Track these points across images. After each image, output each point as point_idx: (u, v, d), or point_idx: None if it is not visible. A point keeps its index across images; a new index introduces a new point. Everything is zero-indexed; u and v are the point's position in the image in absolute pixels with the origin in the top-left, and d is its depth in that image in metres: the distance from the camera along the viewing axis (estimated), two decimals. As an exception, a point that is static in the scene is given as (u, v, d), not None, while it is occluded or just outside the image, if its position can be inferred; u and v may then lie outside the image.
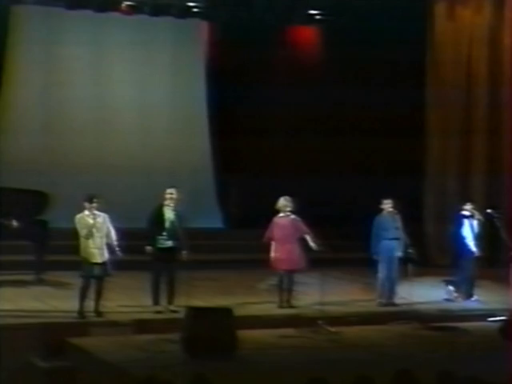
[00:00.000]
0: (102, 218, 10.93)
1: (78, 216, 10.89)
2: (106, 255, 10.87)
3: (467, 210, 12.75)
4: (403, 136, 16.27)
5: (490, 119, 16.63)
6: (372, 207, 12.39)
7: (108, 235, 10.92)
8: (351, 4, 16.87)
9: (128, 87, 17.96)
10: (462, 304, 12.45)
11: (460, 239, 12.64)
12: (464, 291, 12.64)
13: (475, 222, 12.71)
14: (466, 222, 12.70)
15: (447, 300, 12.55)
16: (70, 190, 14.80)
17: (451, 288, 12.64)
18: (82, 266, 10.86)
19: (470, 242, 12.60)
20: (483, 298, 12.68)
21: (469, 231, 12.66)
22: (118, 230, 11.13)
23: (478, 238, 12.74)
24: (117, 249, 10.90)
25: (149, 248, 11.26)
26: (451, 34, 16.87)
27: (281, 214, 11.82)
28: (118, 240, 10.95)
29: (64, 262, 12.51)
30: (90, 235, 10.78)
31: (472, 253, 12.62)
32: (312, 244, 11.61)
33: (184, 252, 11.17)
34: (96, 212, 10.89)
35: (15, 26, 16.95)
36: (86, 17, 17.20)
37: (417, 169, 16.52)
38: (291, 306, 11.70)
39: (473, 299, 12.65)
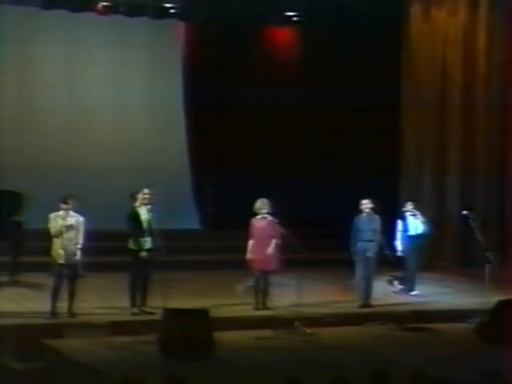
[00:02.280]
0: (76, 220, 10.89)
1: (52, 215, 10.86)
2: (77, 256, 10.82)
3: (409, 209, 13.13)
4: (379, 135, 16.33)
5: (464, 119, 16.75)
6: (350, 207, 12.41)
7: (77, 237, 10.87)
8: (328, 5, 16.92)
9: (104, 87, 17.91)
10: (436, 305, 12.54)
11: (403, 237, 13.08)
12: (408, 285, 13.10)
13: (418, 221, 13.11)
14: (408, 220, 13.11)
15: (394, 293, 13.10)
16: (45, 191, 14.70)
17: (396, 283, 13.24)
18: (52, 265, 10.83)
19: (413, 240, 13.08)
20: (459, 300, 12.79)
21: (413, 229, 13.11)
22: (94, 231, 11.09)
23: (422, 236, 13.21)
24: (78, 253, 10.82)
25: (144, 253, 11.17)
26: (426, 34, 16.95)
27: (258, 216, 11.82)
28: (84, 244, 10.89)
29: (39, 263, 12.42)
30: (59, 235, 10.73)
31: (414, 250, 13.08)
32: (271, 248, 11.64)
33: (157, 252, 11.11)
34: (71, 213, 10.85)
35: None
36: (61, 17, 17.12)
37: (392, 168, 16.58)
38: (267, 308, 11.69)
39: (413, 293, 13.00)
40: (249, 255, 11.75)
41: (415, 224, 13.13)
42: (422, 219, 13.14)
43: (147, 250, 11.19)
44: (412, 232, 13.12)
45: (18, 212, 13.52)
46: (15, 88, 17.28)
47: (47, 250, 10.91)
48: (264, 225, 11.76)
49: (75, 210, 10.91)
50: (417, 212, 13.14)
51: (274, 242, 11.66)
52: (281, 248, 11.68)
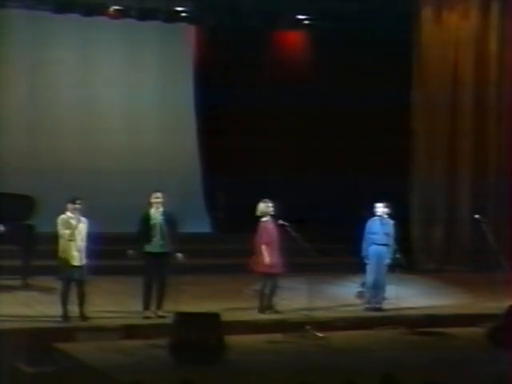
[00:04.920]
0: (83, 222, 10.94)
1: (61, 217, 10.89)
2: (85, 259, 10.87)
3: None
4: (390, 137, 16.30)
5: (476, 121, 16.73)
6: (359, 209, 12.34)
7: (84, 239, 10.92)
8: (338, 9, 16.91)
9: (116, 90, 17.94)
10: (448, 309, 12.48)
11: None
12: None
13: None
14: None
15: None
16: (57, 194, 14.70)
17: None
18: (61, 268, 10.85)
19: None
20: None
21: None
22: (104, 235, 11.12)
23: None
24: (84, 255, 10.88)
25: (130, 252, 11.20)
26: (438, 37, 16.94)
27: (265, 218, 11.75)
28: (94, 247, 10.93)
29: (51, 266, 12.42)
30: (72, 237, 10.76)
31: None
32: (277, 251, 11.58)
33: (179, 255, 11.07)
34: (79, 215, 10.88)
35: (1, 30, 16.86)
36: (73, 21, 17.15)
37: (403, 170, 16.55)
38: (275, 311, 11.62)
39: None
40: (259, 258, 11.68)
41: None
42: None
43: (160, 254, 11.20)
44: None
45: (29, 215, 13.55)
46: (27, 91, 17.33)
47: (56, 254, 10.93)
48: (271, 226, 11.67)
49: (81, 213, 10.94)
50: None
51: (277, 244, 11.60)
52: (290, 251, 11.63)
